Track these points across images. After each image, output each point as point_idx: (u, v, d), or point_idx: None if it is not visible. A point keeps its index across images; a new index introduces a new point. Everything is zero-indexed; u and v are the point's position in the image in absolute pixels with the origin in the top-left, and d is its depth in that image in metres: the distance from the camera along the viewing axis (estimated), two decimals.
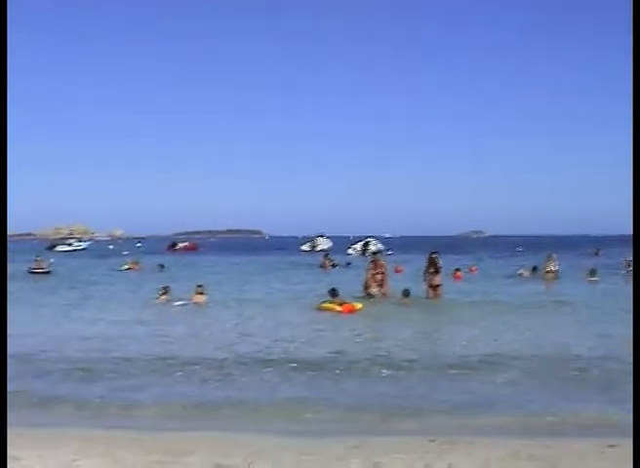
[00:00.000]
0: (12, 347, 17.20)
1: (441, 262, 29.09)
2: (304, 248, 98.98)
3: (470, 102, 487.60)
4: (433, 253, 29.47)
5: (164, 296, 27.80)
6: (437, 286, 28.56)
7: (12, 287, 34.86)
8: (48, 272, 49.27)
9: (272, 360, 15.10)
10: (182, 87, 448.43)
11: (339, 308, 24.66)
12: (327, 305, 25.16)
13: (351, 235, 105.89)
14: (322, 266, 53.69)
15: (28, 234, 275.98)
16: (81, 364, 14.68)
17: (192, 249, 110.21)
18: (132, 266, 54.06)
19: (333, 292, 26.19)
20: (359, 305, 25.25)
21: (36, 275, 46.84)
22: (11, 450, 7.56)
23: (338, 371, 13.90)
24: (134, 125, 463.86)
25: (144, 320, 22.76)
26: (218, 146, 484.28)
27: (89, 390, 12.33)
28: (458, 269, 40.84)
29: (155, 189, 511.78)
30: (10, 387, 12.22)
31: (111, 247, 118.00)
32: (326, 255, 57.88)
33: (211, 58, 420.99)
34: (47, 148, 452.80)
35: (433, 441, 8.57)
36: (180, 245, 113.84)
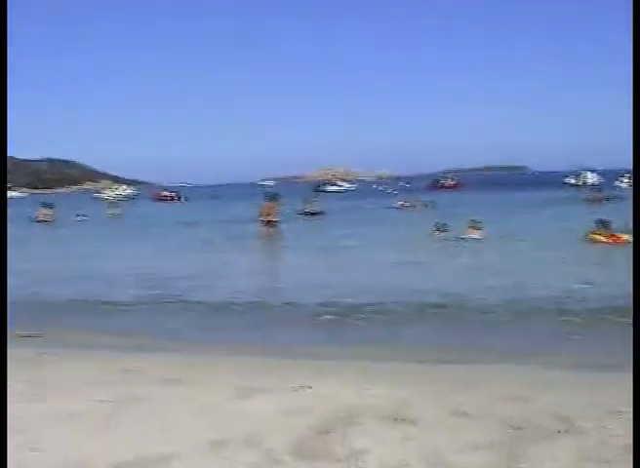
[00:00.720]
0: (270, 293, 18.02)
1: None
2: (570, 182, 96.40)
3: None
4: None
5: (440, 233, 28.32)
6: None
7: (283, 228, 36.52)
8: (318, 213, 50.87)
9: (541, 298, 15.06)
10: None
11: (607, 239, 24.17)
12: (595, 237, 24.72)
13: (621, 167, 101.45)
14: (589, 200, 52.34)
15: (296, 177, 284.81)
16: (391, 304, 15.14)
17: (456, 187, 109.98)
18: (402, 205, 54.83)
19: (601, 224, 25.66)
20: (629, 237, 24.63)
21: (306, 216, 48.56)
22: (303, 381, 8.20)
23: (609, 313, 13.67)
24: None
25: (426, 257, 23.01)
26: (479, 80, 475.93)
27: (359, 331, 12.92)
28: None
29: (418, 127, 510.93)
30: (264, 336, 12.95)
31: (377, 187, 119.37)
32: (593, 189, 56.42)
33: None
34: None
35: None
36: (444, 183, 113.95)
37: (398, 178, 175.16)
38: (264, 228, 36.09)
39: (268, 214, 37.07)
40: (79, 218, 58.23)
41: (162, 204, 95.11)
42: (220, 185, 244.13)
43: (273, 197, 39.24)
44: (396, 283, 18.12)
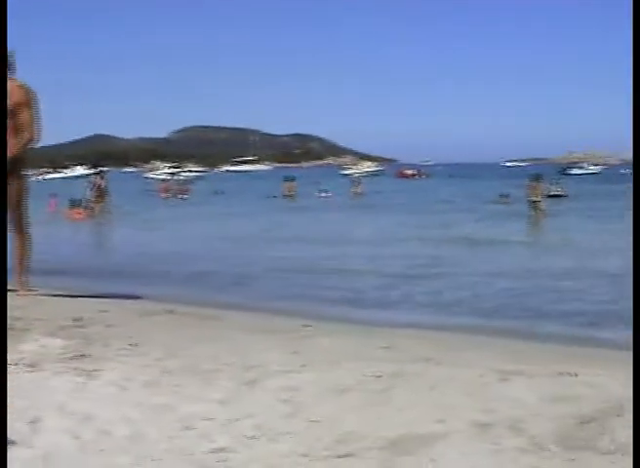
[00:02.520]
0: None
1: None
2: None
3: None
4: None
5: None
6: None
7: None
8: (563, 196, 50.23)
9: None
10: None
11: None
12: None
13: None
14: None
15: (540, 159, 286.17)
16: None
17: None
18: None
19: None
20: None
21: (552, 198, 47.75)
22: (565, 367, 7.97)
23: None
24: None
25: None
26: None
27: None
28: None
29: None
30: None
31: (624, 171, 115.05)
32: None
33: None
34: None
35: None
36: None
37: None
38: (533, 210, 37.38)
39: (532, 195, 38.44)
40: (323, 195, 59.70)
41: (405, 181, 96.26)
42: (459, 164, 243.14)
43: (537, 178, 39.32)
44: None
